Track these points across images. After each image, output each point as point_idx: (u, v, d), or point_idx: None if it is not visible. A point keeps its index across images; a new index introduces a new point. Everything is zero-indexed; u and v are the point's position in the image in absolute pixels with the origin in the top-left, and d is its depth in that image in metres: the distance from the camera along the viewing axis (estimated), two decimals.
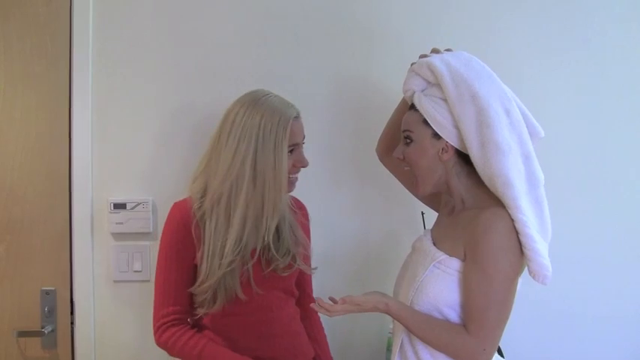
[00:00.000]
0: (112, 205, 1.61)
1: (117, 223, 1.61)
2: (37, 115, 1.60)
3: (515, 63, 1.67)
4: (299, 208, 1.47)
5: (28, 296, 1.60)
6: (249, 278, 1.30)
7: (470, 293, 1.15)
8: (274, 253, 1.33)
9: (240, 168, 1.25)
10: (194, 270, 1.32)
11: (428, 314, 1.20)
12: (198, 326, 1.36)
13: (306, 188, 1.61)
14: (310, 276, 1.50)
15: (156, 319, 1.32)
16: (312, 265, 1.47)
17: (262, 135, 1.24)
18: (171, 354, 1.33)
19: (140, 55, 1.62)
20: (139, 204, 1.61)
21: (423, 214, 1.51)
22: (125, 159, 1.62)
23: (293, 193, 1.47)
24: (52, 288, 1.60)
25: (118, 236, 1.62)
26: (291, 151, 1.30)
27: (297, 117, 1.31)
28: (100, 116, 1.61)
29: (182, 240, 1.31)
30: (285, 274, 1.36)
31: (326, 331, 1.55)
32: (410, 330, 1.20)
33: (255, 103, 1.28)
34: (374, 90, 1.66)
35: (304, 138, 1.35)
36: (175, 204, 1.36)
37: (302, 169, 1.36)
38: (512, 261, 1.15)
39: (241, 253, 1.28)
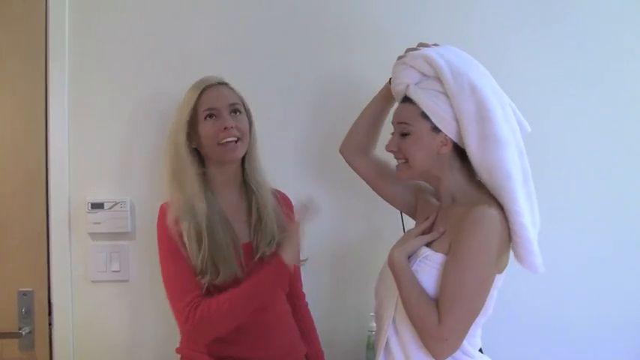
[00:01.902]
0: (89, 204, 1.59)
1: (94, 223, 1.59)
2: (13, 114, 1.58)
3: (500, 57, 1.67)
4: (283, 199, 1.48)
5: (4, 297, 1.58)
6: (241, 257, 1.32)
7: (444, 282, 1.16)
8: (260, 239, 1.35)
9: (167, 140, 1.37)
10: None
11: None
12: None
13: (289, 186, 1.61)
14: (300, 272, 1.50)
15: (180, 310, 1.24)
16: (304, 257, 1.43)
17: (182, 106, 1.36)
18: (210, 329, 1.25)
19: (118, 53, 1.60)
20: (116, 204, 1.60)
21: (402, 213, 1.50)
22: (103, 158, 1.61)
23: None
24: (30, 289, 1.59)
25: (96, 236, 1.61)
26: (210, 116, 1.34)
27: (214, 84, 1.37)
28: (76, 115, 1.59)
29: (179, 231, 1.30)
30: None
31: None
32: (399, 286, 1.20)
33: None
34: (355, 88, 1.64)
35: (233, 106, 1.37)
36: (162, 205, 1.37)
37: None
38: (490, 259, 1.15)
39: (188, 212, 1.30)
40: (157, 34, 1.61)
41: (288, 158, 1.68)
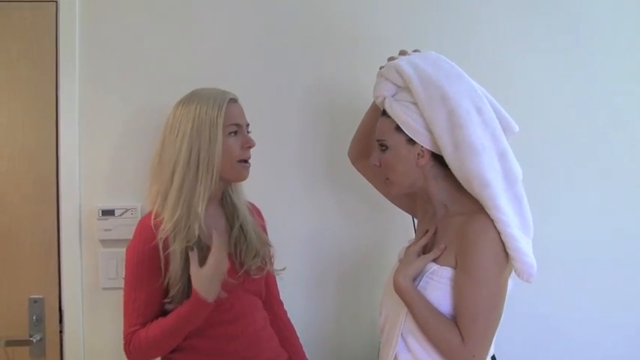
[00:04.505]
0: (100, 211, 1.59)
1: (105, 230, 1.59)
2: (24, 121, 1.58)
3: (499, 61, 1.68)
4: (257, 214, 1.48)
5: (15, 305, 1.58)
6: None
7: (460, 300, 1.14)
8: (244, 254, 1.34)
9: (178, 153, 1.26)
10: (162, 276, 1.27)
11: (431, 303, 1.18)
12: (184, 348, 1.29)
13: (288, 196, 1.62)
14: (275, 278, 1.49)
15: (123, 337, 1.27)
16: (281, 267, 1.45)
17: (198, 118, 1.26)
18: (148, 353, 1.27)
19: (127, 59, 1.61)
20: (127, 210, 1.59)
21: (413, 217, 1.49)
22: (113, 165, 1.61)
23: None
24: (40, 296, 1.59)
25: (107, 243, 1.60)
26: (235, 133, 1.30)
27: (233, 99, 1.33)
28: (87, 121, 1.59)
29: (150, 258, 1.26)
30: (258, 277, 1.36)
31: (317, 336, 1.54)
32: (412, 311, 1.17)
33: (190, 96, 1.32)
34: (352, 94, 1.65)
35: (248, 126, 1.36)
36: (140, 220, 1.33)
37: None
38: (501, 267, 1.14)
39: (186, 235, 1.24)
40: (168, 41, 1.61)
41: (292, 166, 1.68)
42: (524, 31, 1.69)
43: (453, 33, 1.67)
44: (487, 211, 1.14)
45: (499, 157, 1.18)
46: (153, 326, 1.24)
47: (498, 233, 1.13)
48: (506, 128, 1.24)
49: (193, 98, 1.30)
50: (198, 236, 1.26)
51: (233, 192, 1.41)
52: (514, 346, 1.66)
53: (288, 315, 1.52)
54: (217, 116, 1.26)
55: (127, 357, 1.28)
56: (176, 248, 1.23)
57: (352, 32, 1.66)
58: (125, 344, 1.26)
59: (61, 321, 1.60)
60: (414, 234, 1.48)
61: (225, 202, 1.40)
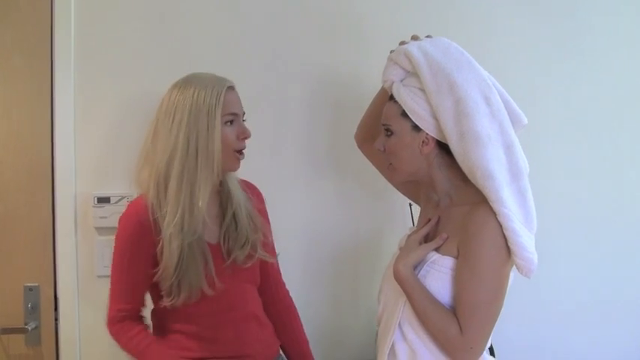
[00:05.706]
0: (95, 199, 1.58)
1: (101, 218, 1.58)
2: (19, 108, 1.57)
3: (502, 54, 1.68)
4: (254, 194, 1.43)
5: (10, 293, 1.57)
6: (212, 271, 1.26)
7: (460, 291, 1.13)
8: (233, 243, 1.31)
9: (175, 141, 1.22)
10: (152, 266, 1.25)
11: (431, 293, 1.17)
12: (172, 331, 1.31)
13: (288, 185, 1.62)
14: (277, 262, 1.46)
15: (110, 310, 1.30)
16: (282, 253, 1.44)
17: (195, 105, 1.22)
18: (119, 345, 1.31)
19: (123, 46, 1.59)
20: (123, 197, 1.59)
21: (410, 205, 1.49)
22: (109, 152, 1.60)
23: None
24: (36, 284, 1.58)
25: (103, 231, 1.60)
26: (231, 122, 1.27)
27: (231, 87, 1.29)
28: (82, 109, 1.58)
29: (138, 240, 1.25)
30: (247, 265, 1.32)
31: (315, 326, 1.54)
32: (411, 300, 1.16)
33: (187, 81, 1.27)
34: (355, 83, 1.64)
35: (244, 114, 1.33)
36: (130, 203, 1.31)
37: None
38: (503, 259, 1.13)
39: (189, 230, 1.22)
40: (166, 28, 1.61)
41: (292, 154, 1.67)
42: (526, 27, 1.70)
43: (456, 26, 1.67)
44: (490, 203, 1.12)
45: (505, 149, 1.17)
46: (133, 339, 1.29)
47: (501, 226, 1.12)
48: (514, 120, 1.22)
49: (190, 83, 1.26)
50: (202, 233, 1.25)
51: (230, 181, 1.38)
52: (515, 336, 1.67)
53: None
54: (216, 104, 1.23)
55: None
56: (174, 245, 1.22)
57: (357, 19, 1.66)
58: (108, 323, 1.31)
59: (56, 309, 1.59)
60: (411, 223, 1.48)
61: (221, 189, 1.38)
